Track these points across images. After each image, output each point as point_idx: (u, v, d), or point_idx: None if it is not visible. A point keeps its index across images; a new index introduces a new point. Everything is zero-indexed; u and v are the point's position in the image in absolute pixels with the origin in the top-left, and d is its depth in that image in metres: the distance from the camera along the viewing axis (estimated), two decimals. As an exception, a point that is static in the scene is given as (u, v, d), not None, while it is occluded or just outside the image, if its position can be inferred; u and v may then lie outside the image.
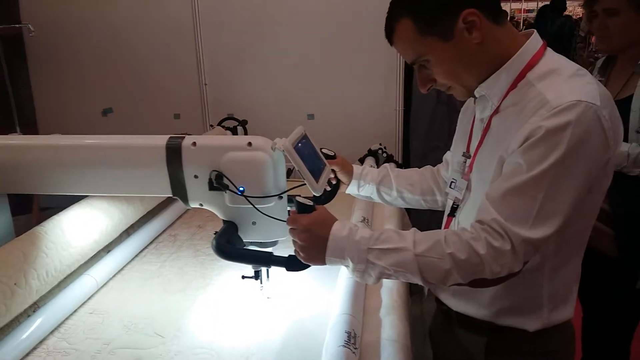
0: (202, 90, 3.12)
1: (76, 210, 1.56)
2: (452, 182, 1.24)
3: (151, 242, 1.86)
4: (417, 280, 1.02)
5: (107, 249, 1.66)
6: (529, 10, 9.96)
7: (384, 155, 2.72)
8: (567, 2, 7.63)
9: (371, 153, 2.72)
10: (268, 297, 1.46)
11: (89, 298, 1.50)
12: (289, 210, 1.25)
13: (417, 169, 1.50)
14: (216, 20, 3.01)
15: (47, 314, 1.35)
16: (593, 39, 1.77)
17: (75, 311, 1.44)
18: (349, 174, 1.44)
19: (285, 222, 1.15)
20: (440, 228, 1.25)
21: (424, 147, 3.20)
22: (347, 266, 1.06)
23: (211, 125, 2.83)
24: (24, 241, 1.33)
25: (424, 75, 1.13)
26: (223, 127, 2.77)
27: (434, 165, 1.50)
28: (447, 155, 1.42)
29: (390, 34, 1.11)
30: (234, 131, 2.79)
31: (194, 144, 1.19)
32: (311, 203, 1.10)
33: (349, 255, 1.03)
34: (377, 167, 2.68)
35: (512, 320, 1.16)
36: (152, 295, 1.52)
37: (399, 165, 2.71)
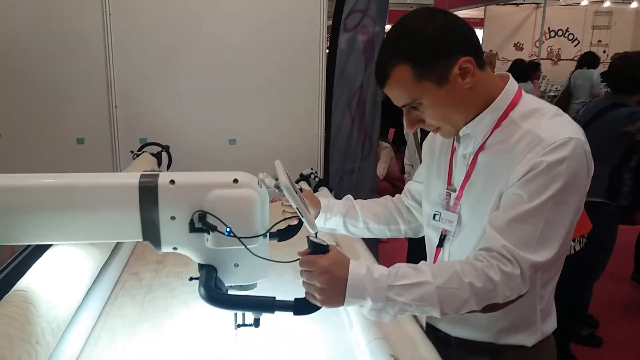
0: (112, 113, 2.87)
1: (62, 250, 1.36)
2: (435, 214, 1.28)
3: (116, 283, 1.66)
4: (435, 313, 1.04)
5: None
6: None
7: (316, 179, 2.74)
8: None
9: (303, 178, 2.73)
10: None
11: (81, 351, 1.29)
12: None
13: (377, 199, 1.55)
14: (130, 38, 2.81)
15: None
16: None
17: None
18: (317, 207, 1.43)
19: (267, 261, 1.12)
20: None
21: (341, 171, 3.31)
22: (362, 306, 1.05)
23: (132, 151, 2.61)
24: (28, 291, 1.11)
25: (412, 117, 1.18)
26: (148, 153, 2.58)
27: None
28: (411, 186, 1.47)
29: (384, 78, 1.14)
30: (158, 157, 2.61)
31: (172, 182, 1.09)
32: (326, 243, 1.05)
33: (369, 294, 1.02)
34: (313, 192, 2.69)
35: (512, 339, 1.24)
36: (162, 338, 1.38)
37: (330, 190, 2.76)
